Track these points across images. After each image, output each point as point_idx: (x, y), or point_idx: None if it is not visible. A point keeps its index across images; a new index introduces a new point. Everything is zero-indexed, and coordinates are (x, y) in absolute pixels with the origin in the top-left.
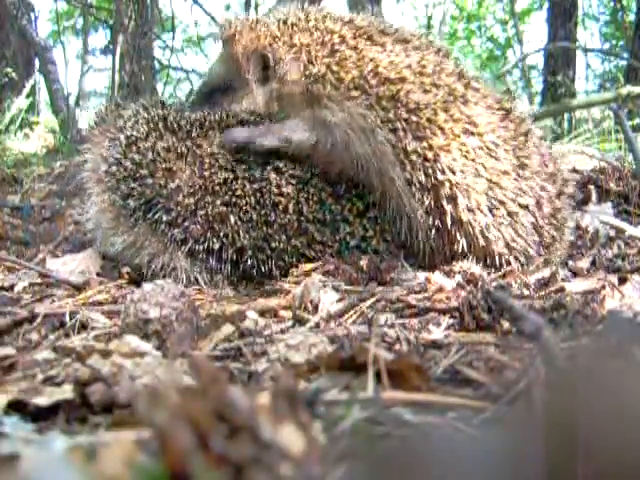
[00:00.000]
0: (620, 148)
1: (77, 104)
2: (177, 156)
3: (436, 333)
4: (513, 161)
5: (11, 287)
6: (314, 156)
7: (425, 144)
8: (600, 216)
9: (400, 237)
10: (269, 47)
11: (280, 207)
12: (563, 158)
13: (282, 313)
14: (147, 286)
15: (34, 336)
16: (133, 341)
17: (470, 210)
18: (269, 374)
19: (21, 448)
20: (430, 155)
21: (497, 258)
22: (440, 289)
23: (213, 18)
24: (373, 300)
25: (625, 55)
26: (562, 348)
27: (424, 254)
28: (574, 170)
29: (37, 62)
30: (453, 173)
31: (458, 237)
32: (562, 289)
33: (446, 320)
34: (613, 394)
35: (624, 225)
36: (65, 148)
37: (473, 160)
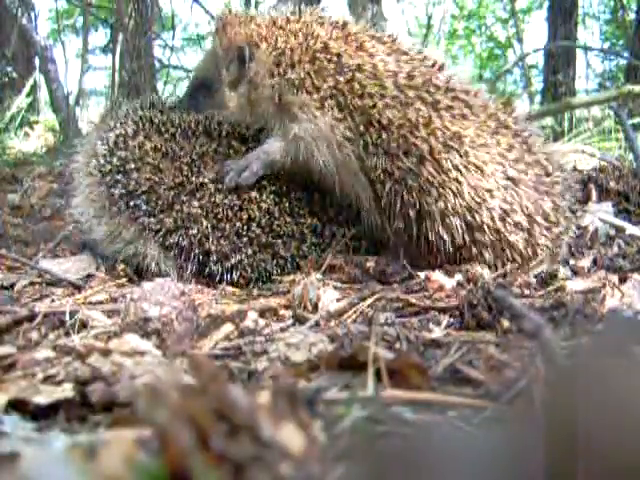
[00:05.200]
0: (620, 147)
1: (77, 103)
2: (162, 155)
3: (436, 332)
4: (502, 178)
5: (11, 286)
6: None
7: (397, 162)
8: (600, 215)
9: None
10: (251, 45)
11: (254, 222)
12: (563, 157)
13: (282, 312)
14: (147, 285)
15: (34, 335)
16: (133, 340)
17: (444, 232)
18: (269, 373)
19: (21, 447)
20: (397, 175)
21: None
22: (440, 288)
23: (213, 17)
24: (373, 299)
25: (625, 54)
26: (562, 347)
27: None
28: (574, 169)
29: (37, 61)
30: (427, 194)
31: (430, 259)
32: (562, 288)
33: (446, 319)
34: (613, 393)
35: (624, 224)
36: (65, 147)
37: (455, 179)
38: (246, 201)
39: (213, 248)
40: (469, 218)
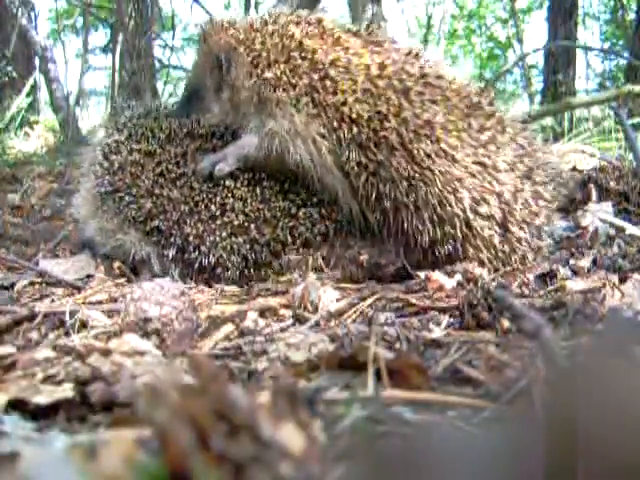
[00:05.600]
0: (620, 147)
1: (77, 103)
2: (145, 154)
3: (436, 332)
4: (473, 163)
5: (11, 286)
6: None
7: (369, 155)
8: (600, 215)
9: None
10: (230, 51)
11: (228, 206)
12: (564, 157)
13: (282, 312)
14: (147, 285)
15: (34, 335)
16: (133, 340)
17: (419, 224)
18: (269, 373)
19: (21, 447)
20: (371, 167)
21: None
22: (440, 288)
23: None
24: (373, 299)
25: (625, 54)
26: (562, 347)
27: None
28: (574, 169)
29: (37, 61)
30: (399, 185)
31: (408, 254)
32: (562, 288)
33: (446, 319)
34: (613, 393)
35: (624, 224)
36: (65, 147)
37: (427, 168)
38: (221, 187)
39: (190, 230)
40: (439, 210)
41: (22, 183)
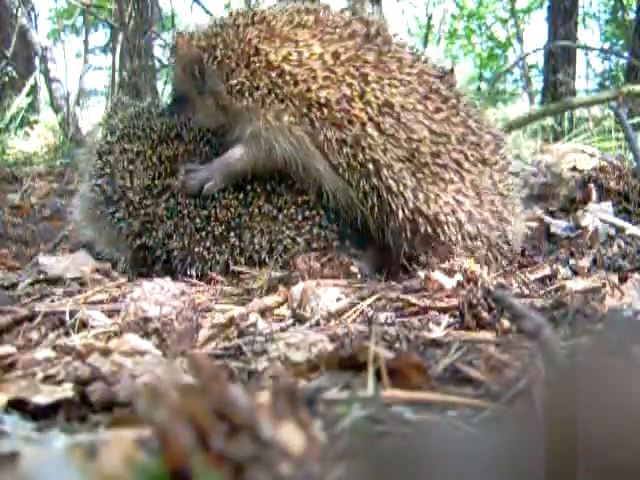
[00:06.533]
0: (620, 147)
1: (77, 103)
2: (135, 158)
3: (436, 332)
4: (429, 133)
5: (11, 286)
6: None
7: (343, 133)
8: (600, 215)
9: (344, 222)
10: (199, 60)
11: (212, 218)
12: (564, 157)
13: (282, 312)
14: (147, 285)
15: (34, 335)
16: (133, 340)
17: (399, 178)
18: (269, 373)
19: (21, 447)
20: (349, 140)
21: (429, 228)
22: (440, 288)
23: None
24: (373, 299)
25: (625, 54)
26: (562, 347)
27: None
28: (574, 169)
29: (37, 61)
30: (374, 150)
31: (394, 208)
32: (562, 288)
33: (446, 319)
34: (613, 393)
35: (624, 224)
36: (65, 147)
37: (392, 136)
38: (208, 199)
39: (176, 245)
40: (409, 164)
41: (22, 183)
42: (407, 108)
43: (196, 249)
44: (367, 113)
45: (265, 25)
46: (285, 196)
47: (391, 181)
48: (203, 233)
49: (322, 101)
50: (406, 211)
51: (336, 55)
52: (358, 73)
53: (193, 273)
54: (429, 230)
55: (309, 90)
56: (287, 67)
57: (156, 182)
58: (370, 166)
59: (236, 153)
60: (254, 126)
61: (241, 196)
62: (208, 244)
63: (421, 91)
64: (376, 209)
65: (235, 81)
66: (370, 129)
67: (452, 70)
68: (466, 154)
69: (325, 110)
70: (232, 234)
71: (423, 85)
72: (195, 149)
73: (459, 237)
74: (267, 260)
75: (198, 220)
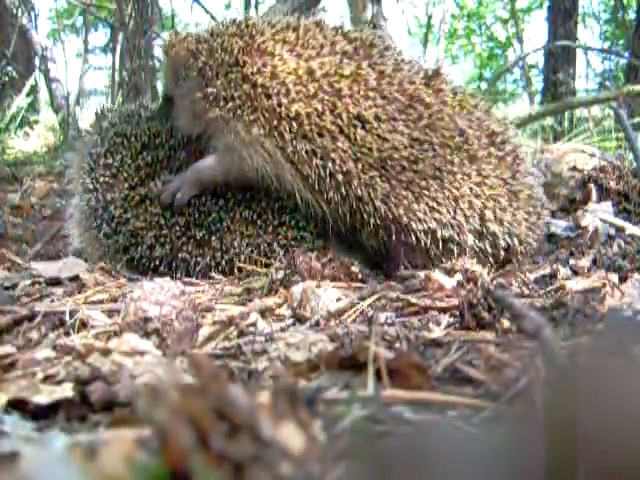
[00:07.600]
0: (620, 147)
1: (77, 103)
2: (116, 169)
3: (436, 332)
4: (408, 139)
5: (12, 286)
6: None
7: (312, 145)
8: (600, 215)
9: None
10: (184, 64)
11: (192, 223)
12: (564, 157)
13: (282, 312)
14: (147, 285)
15: (34, 335)
16: (133, 339)
17: (366, 190)
18: (269, 373)
19: (21, 446)
20: (319, 152)
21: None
22: (440, 288)
23: (213, 17)
24: (373, 299)
25: (625, 54)
26: (562, 347)
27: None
28: (574, 169)
29: (37, 61)
30: (344, 162)
31: (365, 217)
32: (562, 288)
33: (446, 319)
34: (613, 393)
35: (624, 223)
36: (65, 147)
37: (364, 145)
38: (185, 207)
39: (160, 253)
40: (383, 171)
41: (22, 183)
42: (382, 119)
43: (179, 255)
44: (338, 125)
45: (249, 37)
46: (262, 203)
47: (361, 190)
48: (184, 239)
49: (292, 115)
50: (377, 219)
51: (310, 71)
52: (331, 89)
53: (178, 275)
54: (402, 236)
55: (280, 104)
56: (260, 80)
57: (132, 193)
58: (339, 177)
59: (207, 162)
60: (226, 138)
61: (221, 202)
62: (190, 248)
63: (403, 100)
64: (348, 217)
65: (211, 89)
66: (340, 142)
67: (438, 72)
68: (450, 159)
69: (294, 124)
70: (213, 238)
71: (404, 94)
72: (172, 158)
73: (432, 243)
74: (247, 262)
75: (177, 228)
